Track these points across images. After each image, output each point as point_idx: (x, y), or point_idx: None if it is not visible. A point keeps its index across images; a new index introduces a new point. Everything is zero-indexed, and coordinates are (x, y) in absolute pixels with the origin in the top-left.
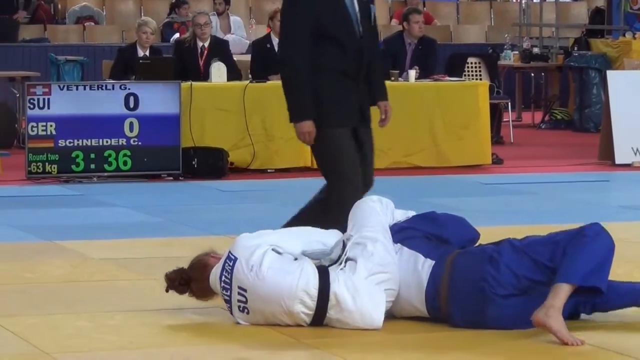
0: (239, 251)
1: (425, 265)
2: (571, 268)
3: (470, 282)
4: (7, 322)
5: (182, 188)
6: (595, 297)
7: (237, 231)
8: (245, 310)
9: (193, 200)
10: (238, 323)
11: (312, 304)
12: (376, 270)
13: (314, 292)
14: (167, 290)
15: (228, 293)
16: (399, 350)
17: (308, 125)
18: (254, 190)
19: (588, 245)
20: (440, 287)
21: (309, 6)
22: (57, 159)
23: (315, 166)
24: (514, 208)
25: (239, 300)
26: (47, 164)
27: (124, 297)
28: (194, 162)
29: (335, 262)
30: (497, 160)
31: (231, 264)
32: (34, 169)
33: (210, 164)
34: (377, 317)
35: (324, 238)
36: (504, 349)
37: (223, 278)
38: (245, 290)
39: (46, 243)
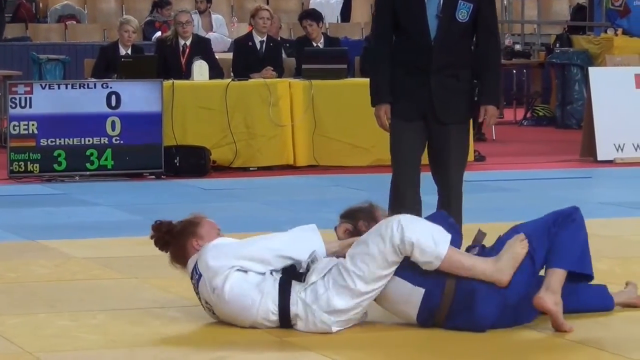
0: (203, 269)
1: (414, 295)
2: (567, 254)
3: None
4: None
5: (165, 187)
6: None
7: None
8: (215, 316)
9: (175, 199)
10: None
11: (275, 322)
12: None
13: (274, 317)
14: (151, 237)
15: (198, 296)
16: (386, 348)
17: (379, 110)
18: (236, 188)
19: (579, 232)
20: (437, 314)
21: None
22: (39, 158)
23: (297, 164)
24: (496, 205)
25: (207, 308)
26: (29, 163)
27: (106, 296)
28: (176, 161)
29: (305, 273)
30: (479, 158)
31: (197, 277)
32: (16, 168)
33: (192, 163)
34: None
35: (295, 252)
36: (494, 344)
37: (192, 281)
38: (210, 305)
39: (28, 242)
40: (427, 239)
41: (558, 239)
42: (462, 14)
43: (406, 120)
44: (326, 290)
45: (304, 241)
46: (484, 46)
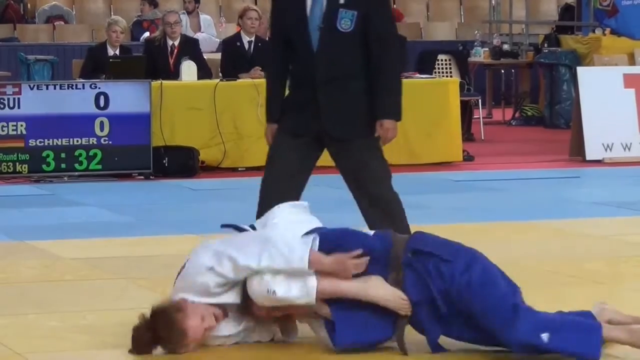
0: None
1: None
2: None
3: None
4: None
5: (153, 187)
6: None
7: (208, 230)
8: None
9: (164, 199)
10: None
11: None
12: None
13: None
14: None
15: None
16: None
17: (266, 128)
18: (224, 188)
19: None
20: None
21: (277, 10)
22: (27, 158)
23: None
24: (485, 205)
25: None
26: (17, 163)
27: (95, 297)
28: (164, 161)
29: None
30: (468, 157)
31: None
32: (4, 168)
33: (181, 163)
34: None
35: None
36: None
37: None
38: None
39: (17, 243)
40: (294, 296)
41: None
42: (345, 23)
43: (292, 135)
44: None
45: None
46: (375, 56)
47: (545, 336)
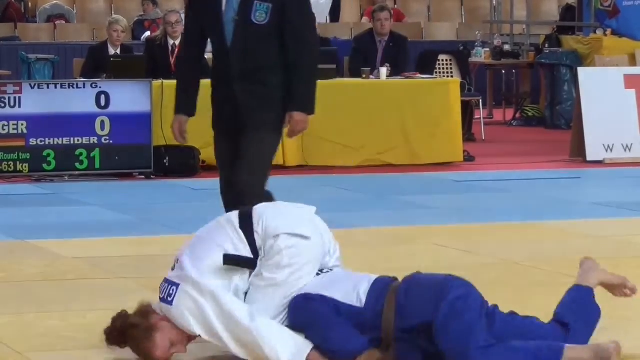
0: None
1: None
2: None
3: None
4: None
5: (154, 186)
6: None
7: None
8: None
9: (165, 199)
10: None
11: None
12: None
13: None
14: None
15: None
16: None
17: (173, 121)
18: None
19: None
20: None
21: (193, 3)
22: (28, 157)
23: (287, 164)
24: (486, 205)
25: None
26: (18, 162)
27: (95, 296)
28: (165, 161)
29: None
30: (468, 158)
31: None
32: (5, 167)
33: (181, 162)
34: None
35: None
36: None
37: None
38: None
39: (18, 242)
40: None
41: None
42: (260, 15)
43: (219, 131)
44: None
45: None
46: (289, 50)
47: None
